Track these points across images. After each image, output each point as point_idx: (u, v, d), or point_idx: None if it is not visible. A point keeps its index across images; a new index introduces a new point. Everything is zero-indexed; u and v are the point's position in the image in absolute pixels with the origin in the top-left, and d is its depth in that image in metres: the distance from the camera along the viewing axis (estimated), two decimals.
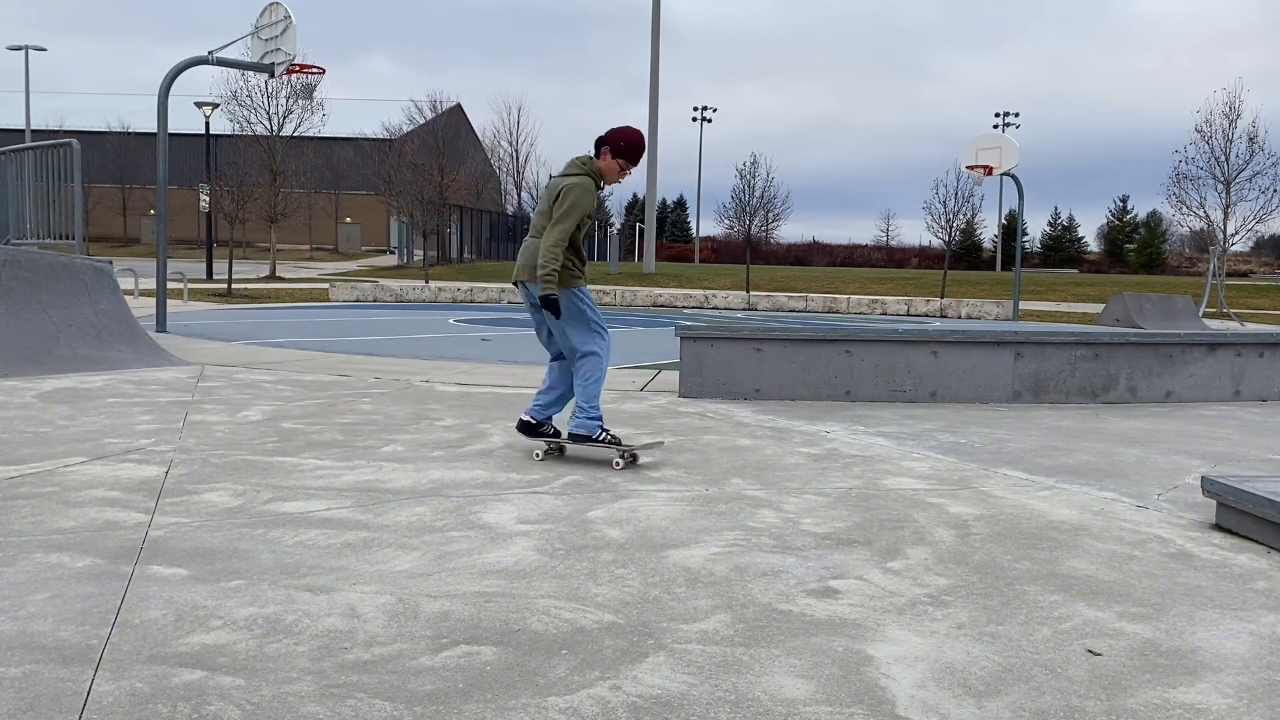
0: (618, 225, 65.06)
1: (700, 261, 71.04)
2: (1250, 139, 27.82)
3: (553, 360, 5.44)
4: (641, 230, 56.25)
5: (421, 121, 52.51)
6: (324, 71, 16.89)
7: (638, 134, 5.15)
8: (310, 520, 3.89)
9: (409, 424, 6.20)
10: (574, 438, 5.18)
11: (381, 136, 53.30)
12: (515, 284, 5.26)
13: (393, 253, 59.85)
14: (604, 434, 5.18)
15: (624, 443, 5.25)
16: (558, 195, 4.99)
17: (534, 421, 5.31)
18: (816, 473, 5.05)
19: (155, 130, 13.29)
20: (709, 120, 79.46)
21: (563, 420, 5.44)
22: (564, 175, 5.10)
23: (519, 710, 2.29)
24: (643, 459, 5.26)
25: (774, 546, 3.68)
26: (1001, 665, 2.63)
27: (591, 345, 5.18)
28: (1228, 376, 8.55)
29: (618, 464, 5.03)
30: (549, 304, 5.00)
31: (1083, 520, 4.21)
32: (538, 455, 5.26)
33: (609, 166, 5.13)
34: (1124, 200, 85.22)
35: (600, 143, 5.14)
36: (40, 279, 9.08)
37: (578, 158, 5.16)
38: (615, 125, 5.18)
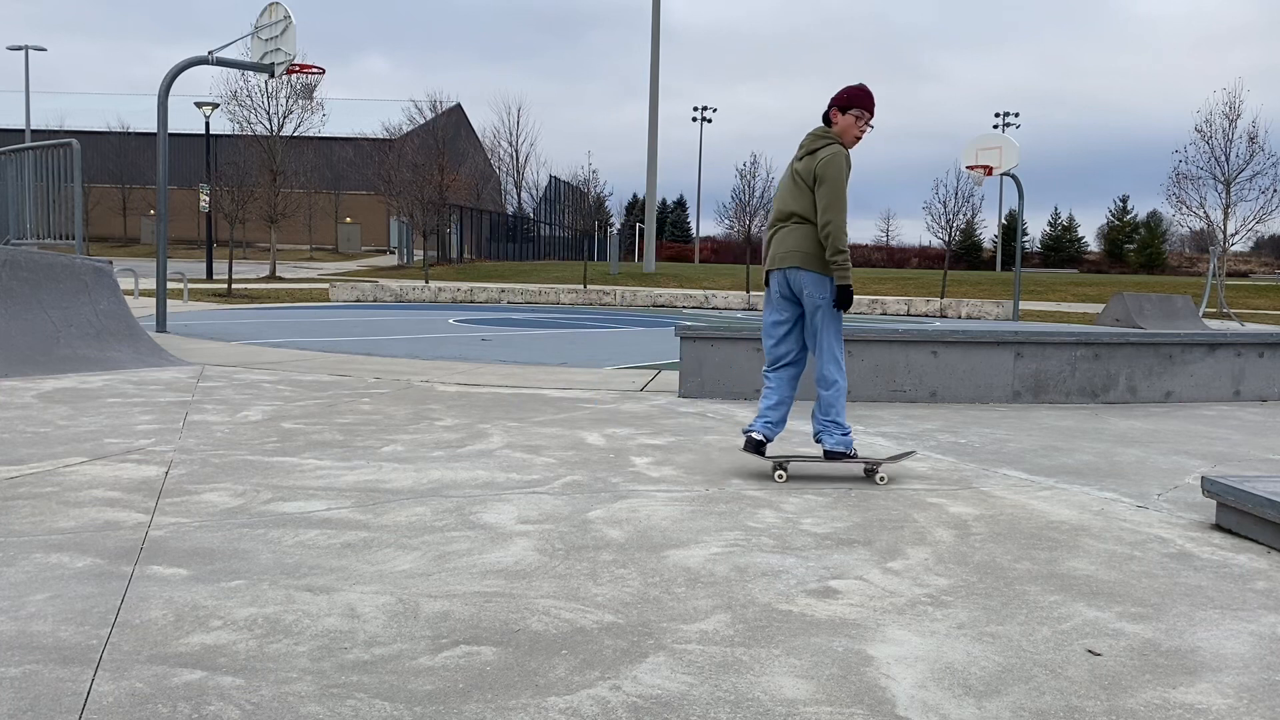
0: (618, 225, 65.08)
1: (700, 261, 71.09)
2: (1250, 139, 27.84)
3: (772, 370, 5.03)
4: (641, 230, 56.27)
5: (421, 121, 52.54)
6: (324, 71, 16.89)
7: (859, 85, 4.92)
8: (310, 520, 3.89)
9: (409, 424, 6.20)
10: (831, 455, 4.90)
11: (381, 136, 53.32)
12: (767, 274, 4.98)
13: (393, 253, 59.85)
14: (854, 449, 4.95)
15: (871, 456, 5.02)
16: (815, 173, 4.73)
17: (765, 440, 4.94)
18: (817, 473, 5.05)
19: (155, 130, 13.29)
20: (709, 120, 79.55)
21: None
22: (810, 152, 4.83)
23: (519, 710, 2.29)
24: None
25: (774, 546, 3.68)
26: (1001, 665, 2.63)
27: (841, 353, 4.90)
28: (1228, 376, 8.55)
29: (882, 479, 4.82)
30: (845, 294, 4.77)
31: (1083, 520, 4.21)
32: (781, 477, 4.85)
33: (845, 125, 4.84)
34: (1124, 200, 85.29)
35: (825, 112, 4.90)
36: (40, 279, 9.08)
37: (815, 131, 4.89)
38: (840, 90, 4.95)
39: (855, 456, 4.91)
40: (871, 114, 4.89)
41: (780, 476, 4.85)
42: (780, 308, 4.96)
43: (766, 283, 5.05)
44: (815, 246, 4.78)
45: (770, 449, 5.07)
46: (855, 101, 4.85)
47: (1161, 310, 22.44)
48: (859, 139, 4.88)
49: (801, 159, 4.88)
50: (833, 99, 4.91)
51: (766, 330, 5.06)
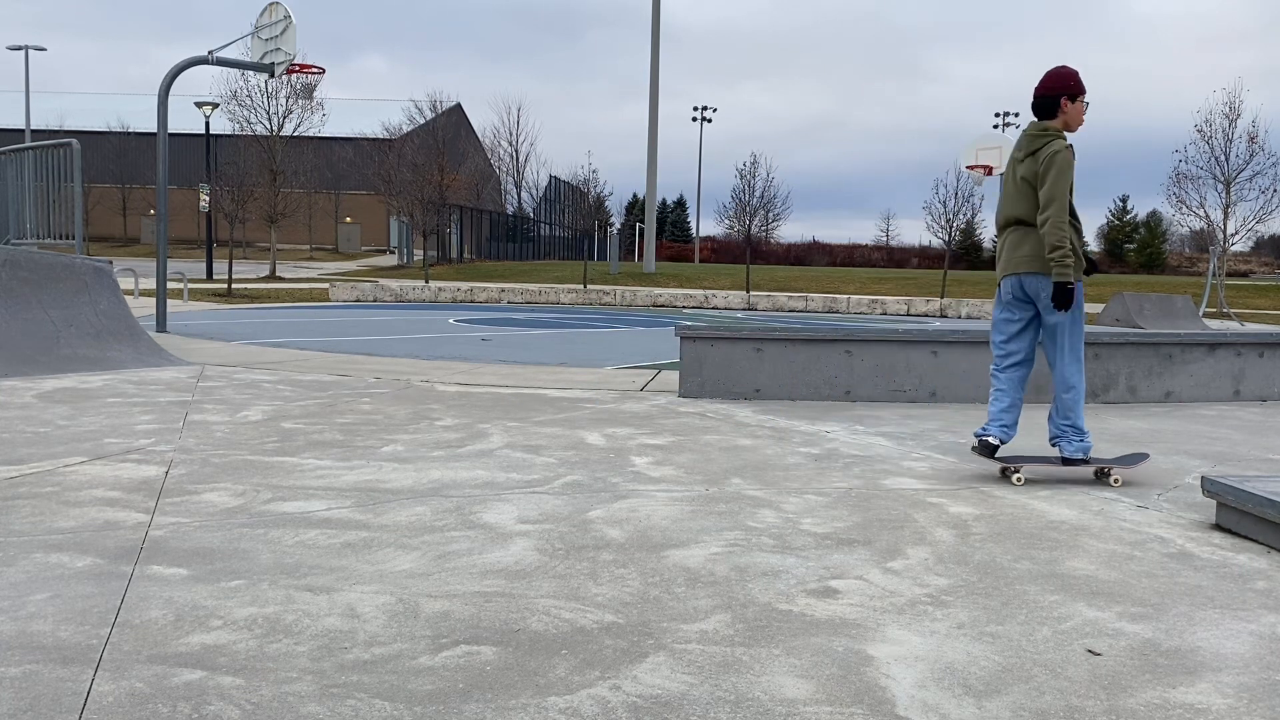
0: (618, 225, 65.10)
1: (700, 261, 71.06)
2: (1250, 139, 27.83)
3: (1002, 370, 4.95)
4: (641, 230, 56.26)
5: (421, 121, 52.54)
6: (324, 71, 16.91)
7: (1071, 68, 4.80)
8: (310, 520, 3.89)
9: (409, 424, 6.19)
10: (1070, 462, 4.87)
11: (381, 136, 53.31)
12: (1000, 280, 4.91)
13: (393, 253, 59.86)
14: (1091, 454, 4.91)
15: (1103, 458, 4.97)
16: (1039, 173, 4.64)
17: (1001, 443, 4.88)
18: (816, 473, 5.05)
19: (155, 130, 13.29)
20: (709, 120, 79.50)
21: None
22: (1031, 153, 4.73)
23: (519, 710, 2.29)
24: (642, 462, 5.26)
25: (774, 546, 3.68)
26: (1001, 665, 2.63)
27: (1082, 355, 4.82)
28: (1228, 376, 8.54)
29: (1116, 481, 4.82)
30: (1062, 293, 4.58)
31: (1083, 520, 4.21)
32: (1019, 479, 4.83)
33: (1076, 112, 4.77)
34: (1124, 200, 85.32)
35: (1046, 104, 4.76)
36: (40, 279, 9.08)
37: (1031, 130, 4.79)
38: (1037, 84, 4.80)
39: (1090, 461, 4.87)
40: (1085, 94, 4.81)
41: (1018, 480, 4.83)
42: (1014, 308, 4.90)
43: (998, 284, 4.98)
44: None
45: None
46: (1081, 87, 4.77)
47: (1161, 310, 22.41)
48: (1081, 123, 4.82)
49: (1023, 160, 4.79)
50: (1056, 86, 4.77)
51: (997, 326, 4.99)
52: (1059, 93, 4.76)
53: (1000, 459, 4.91)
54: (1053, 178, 4.61)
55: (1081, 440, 4.87)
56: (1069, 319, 4.78)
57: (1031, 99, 4.85)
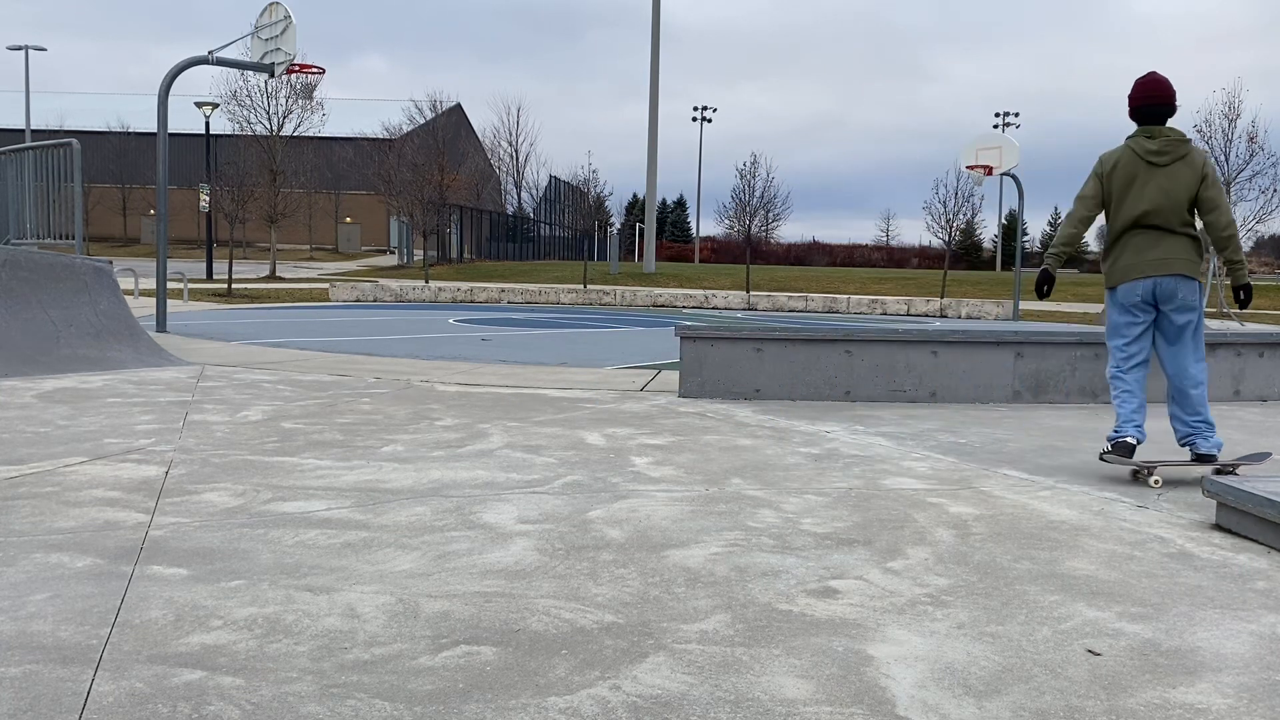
0: (618, 225, 65.07)
1: (700, 261, 71.07)
2: (1250, 139, 27.82)
3: (1127, 371, 4.99)
4: (641, 230, 56.27)
5: (421, 121, 52.53)
6: (324, 71, 16.92)
7: (1165, 78, 4.91)
8: (310, 520, 3.89)
9: (409, 424, 6.19)
10: (1203, 459, 4.90)
11: (381, 136, 53.30)
12: (1120, 283, 4.90)
13: (393, 253, 59.86)
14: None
15: (1229, 460, 4.98)
16: (1204, 177, 4.71)
17: (1137, 443, 4.88)
18: (816, 473, 5.05)
19: (155, 130, 13.29)
20: (709, 120, 79.53)
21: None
22: (1179, 157, 4.76)
23: (519, 710, 2.29)
24: (644, 462, 5.26)
25: (774, 546, 3.68)
26: (1001, 665, 2.63)
27: (1204, 352, 4.92)
28: (1228, 376, 8.54)
29: None
30: (1250, 292, 4.87)
31: (1083, 520, 4.21)
32: (1158, 482, 4.81)
33: None
34: None
35: (1168, 111, 4.86)
36: (40, 279, 9.08)
37: (1171, 135, 4.82)
38: (1149, 90, 4.88)
39: (1218, 460, 4.90)
40: None
41: (1156, 483, 4.82)
42: (1138, 311, 4.93)
43: (1111, 286, 4.97)
44: (1193, 254, 4.78)
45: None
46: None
47: None
48: None
49: (1169, 165, 4.76)
50: (1173, 96, 4.88)
51: (1118, 330, 5.01)
52: (1174, 101, 4.90)
53: (1142, 462, 4.92)
54: (1220, 187, 4.74)
55: (1214, 434, 4.93)
56: (1198, 317, 4.90)
57: (1145, 105, 4.89)
